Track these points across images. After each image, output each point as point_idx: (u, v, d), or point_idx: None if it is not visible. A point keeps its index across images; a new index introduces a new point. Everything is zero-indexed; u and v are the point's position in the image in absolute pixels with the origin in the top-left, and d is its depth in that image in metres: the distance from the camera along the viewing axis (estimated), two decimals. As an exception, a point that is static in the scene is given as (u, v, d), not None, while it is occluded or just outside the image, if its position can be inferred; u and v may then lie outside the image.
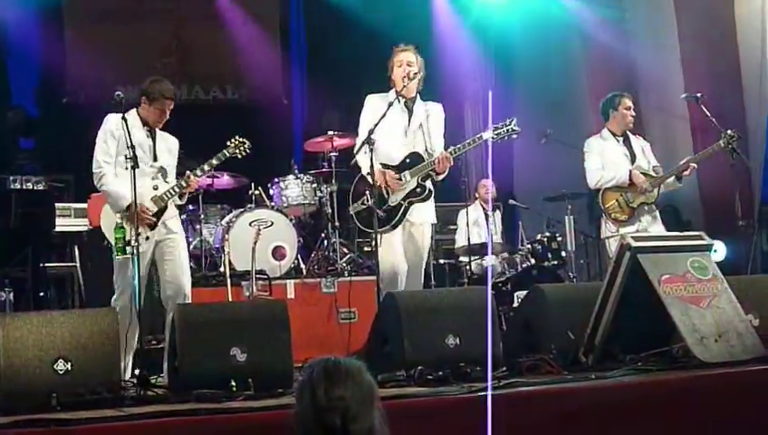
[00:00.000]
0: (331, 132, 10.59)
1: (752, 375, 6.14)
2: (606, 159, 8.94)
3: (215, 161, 7.64)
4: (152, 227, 7.31)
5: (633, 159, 8.93)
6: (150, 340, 7.67)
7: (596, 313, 6.78)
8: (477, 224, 11.54)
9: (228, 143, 7.77)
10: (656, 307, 6.58)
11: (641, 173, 8.83)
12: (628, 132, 9.06)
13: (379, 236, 7.44)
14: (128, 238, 6.96)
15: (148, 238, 7.27)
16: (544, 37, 13.74)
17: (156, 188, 7.39)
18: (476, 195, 11.92)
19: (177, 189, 7.44)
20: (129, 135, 6.95)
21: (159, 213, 7.38)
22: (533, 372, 6.41)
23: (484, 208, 11.83)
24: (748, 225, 9.90)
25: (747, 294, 7.09)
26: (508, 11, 14.12)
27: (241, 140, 7.80)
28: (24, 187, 9.58)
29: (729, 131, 8.74)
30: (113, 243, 7.11)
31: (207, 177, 10.22)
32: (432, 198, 7.84)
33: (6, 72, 12.82)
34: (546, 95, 13.55)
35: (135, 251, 6.87)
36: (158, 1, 14.03)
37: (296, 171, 10.70)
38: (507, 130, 7.64)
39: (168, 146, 7.63)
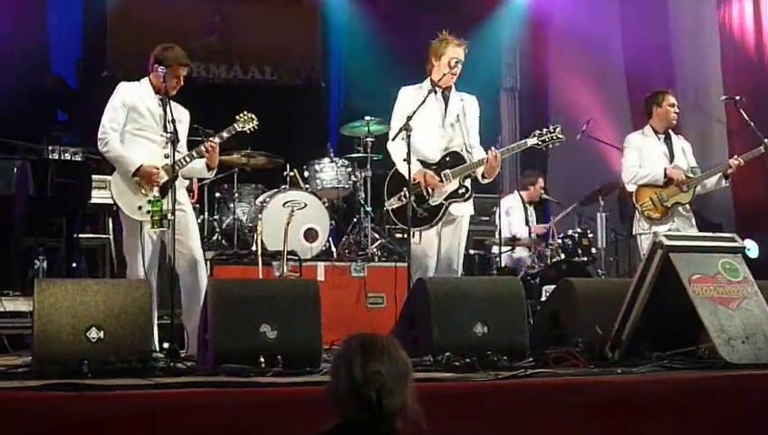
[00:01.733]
0: (367, 118, 10.61)
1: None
2: (644, 156, 8.94)
3: (225, 134, 7.68)
4: (162, 190, 7.32)
5: (672, 158, 8.93)
6: (161, 315, 7.65)
7: (625, 308, 6.79)
8: (509, 213, 11.56)
9: (237, 117, 7.81)
10: (685, 306, 6.59)
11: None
12: (670, 131, 9.05)
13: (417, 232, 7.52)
14: (164, 211, 7.02)
15: (150, 197, 7.27)
16: (583, 32, 13.75)
17: (167, 156, 7.32)
18: (530, 187, 11.94)
19: (188, 159, 7.45)
20: (170, 112, 7.14)
21: (168, 182, 7.34)
22: (559, 364, 6.40)
23: (523, 200, 11.87)
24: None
25: (777, 297, 7.09)
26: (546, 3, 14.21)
27: (250, 115, 7.84)
28: (62, 157, 9.64)
29: None
30: (149, 216, 7.16)
31: (242, 156, 10.29)
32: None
33: (48, 42, 12.86)
34: (584, 91, 13.54)
35: (171, 225, 6.98)
36: (202, -23, 14.08)
37: (331, 155, 10.75)
38: (551, 137, 7.74)
39: (179, 116, 7.51)
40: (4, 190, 8.97)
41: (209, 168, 7.70)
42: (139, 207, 7.29)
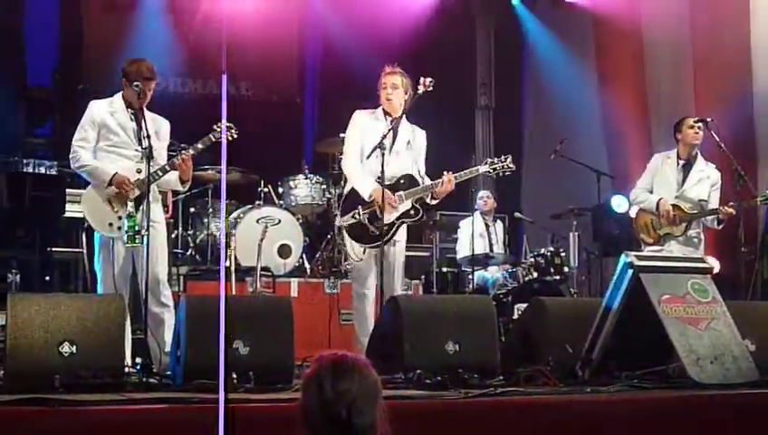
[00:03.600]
0: (342, 135, 10.62)
1: (744, 399, 6.21)
2: (656, 180, 9.02)
3: (200, 145, 7.50)
4: (137, 205, 7.23)
5: (681, 186, 8.92)
6: (135, 329, 7.61)
7: (595, 328, 6.84)
8: (481, 235, 11.60)
9: (215, 127, 7.53)
10: (654, 326, 6.64)
11: (675, 205, 8.83)
12: (700, 158, 8.99)
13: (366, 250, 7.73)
14: (138, 227, 7.00)
15: (122, 217, 7.21)
16: (560, 51, 13.86)
17: (139, 171, 7.26)
18: (476, 206, 11.90)
19: (161, 172, 7.34)
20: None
21: (141, 197, 7.27)
22: (530, 383, 6.46)
23: (484, 219, 11.89)
24: (750, 251, 9.93)
25: (746, 319, 7.14)
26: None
27: (228, 124, 7.51)
28: (37, 170, 9.64)
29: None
30: (124, 232, 7.12)
31: (217, 172, 10.29)
32: None
33: (25, 53, 12.82)
34: (559, 111, 13.61)
35: (145, 241, 6.96)
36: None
37: (306, 171, 10.78)
38: (503, 166, 8.03)
39: (156, 128, 7.49)
40: (-22, 203, 8.96)
41: (182, 181, 7.59)
42: (110, 224, 7.25)
